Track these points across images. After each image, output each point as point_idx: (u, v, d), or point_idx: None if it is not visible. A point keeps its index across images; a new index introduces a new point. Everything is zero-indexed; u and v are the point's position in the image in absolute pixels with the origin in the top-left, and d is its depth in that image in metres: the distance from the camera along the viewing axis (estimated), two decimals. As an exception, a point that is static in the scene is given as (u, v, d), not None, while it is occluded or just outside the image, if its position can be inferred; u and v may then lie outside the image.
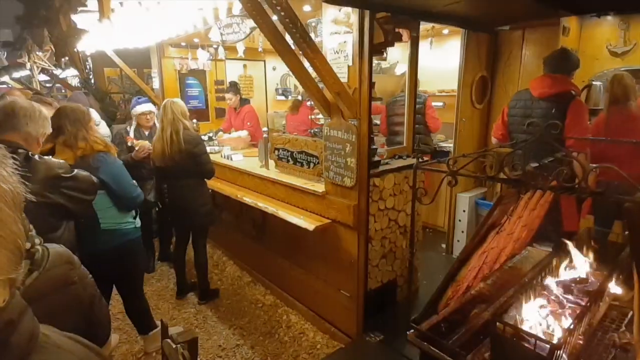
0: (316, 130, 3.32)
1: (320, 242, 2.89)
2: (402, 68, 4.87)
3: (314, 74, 2.49)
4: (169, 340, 1.49)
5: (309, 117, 4.53)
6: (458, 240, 4.03)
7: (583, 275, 2.00)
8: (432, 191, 1.92)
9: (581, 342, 1.58)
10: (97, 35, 3.57)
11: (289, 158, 3.19)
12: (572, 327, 1.43)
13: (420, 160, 2.06)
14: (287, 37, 2.31)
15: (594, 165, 2.44)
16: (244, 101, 5.17)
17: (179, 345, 1.44)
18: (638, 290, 1.28)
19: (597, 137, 2.75)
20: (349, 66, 2.47)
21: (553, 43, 3.41)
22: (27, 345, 0.53)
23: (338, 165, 2.61)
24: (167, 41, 4.76)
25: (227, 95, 5.04)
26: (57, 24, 3.83)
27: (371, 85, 2.44)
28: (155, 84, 5.39)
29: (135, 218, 2.57)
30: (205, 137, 4.43)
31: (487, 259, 1.84)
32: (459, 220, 4.01)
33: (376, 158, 2.71)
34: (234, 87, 5.05)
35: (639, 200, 1.16)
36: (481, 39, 3.66)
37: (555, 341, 1.32)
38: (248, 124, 4.94)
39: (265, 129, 3.72)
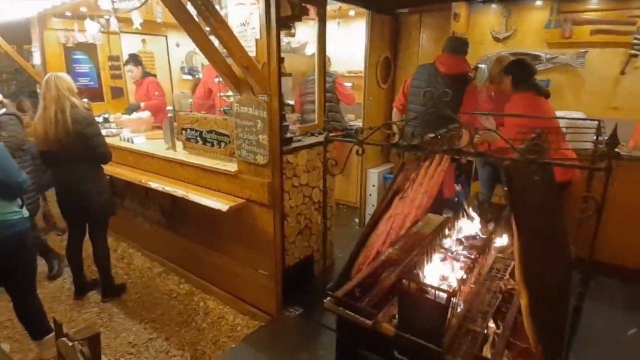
0: (226, 108, 3.19)
1: (236, 223, 2.82)
2: (312, 49, 4.89)
3: (221, 49, 2.38)
4: (64, 339, 1.33)
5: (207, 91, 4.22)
6: (369, 214, 4.26)
7: (473, 234, 2.27)
8: (342, 165, 1.98)
9: (472, 289, 1.80)
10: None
11: (198, 138, 3.03)
12: (464, 277, 1.61)
13: (329, 133, 2.11)
14: (190, 7, 2.16)
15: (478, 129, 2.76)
16: (147, 74, 4.82)
17: (76, 343, 1.30)
18: (517, 239, 1.49)
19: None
20: (256, 40, 2.39)
21: (445, 28, 3.71)
22: None
23: (250, 143, 2.55)
24: (50, 10, 4.12)
25: (127, 67, 4.69)
26: None
27: (280, 60, 2.40)
28: (36, 59, 4.65)
29: (21, 207, 2.29)
30: (99, 119, 3.98)
31: (393, 224, 1.98)
32: (370, 195, 4.23)
33: (288, 135, 2.70)
34: (134, 58, 4.68)
35: (515, 159, 1.33)
36: (384, 20, 3.83)
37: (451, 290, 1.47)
38: (155, 93, 4.63)
39: (170, 107, 3.46)
